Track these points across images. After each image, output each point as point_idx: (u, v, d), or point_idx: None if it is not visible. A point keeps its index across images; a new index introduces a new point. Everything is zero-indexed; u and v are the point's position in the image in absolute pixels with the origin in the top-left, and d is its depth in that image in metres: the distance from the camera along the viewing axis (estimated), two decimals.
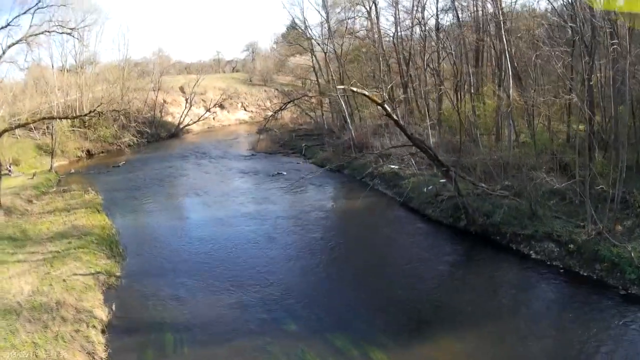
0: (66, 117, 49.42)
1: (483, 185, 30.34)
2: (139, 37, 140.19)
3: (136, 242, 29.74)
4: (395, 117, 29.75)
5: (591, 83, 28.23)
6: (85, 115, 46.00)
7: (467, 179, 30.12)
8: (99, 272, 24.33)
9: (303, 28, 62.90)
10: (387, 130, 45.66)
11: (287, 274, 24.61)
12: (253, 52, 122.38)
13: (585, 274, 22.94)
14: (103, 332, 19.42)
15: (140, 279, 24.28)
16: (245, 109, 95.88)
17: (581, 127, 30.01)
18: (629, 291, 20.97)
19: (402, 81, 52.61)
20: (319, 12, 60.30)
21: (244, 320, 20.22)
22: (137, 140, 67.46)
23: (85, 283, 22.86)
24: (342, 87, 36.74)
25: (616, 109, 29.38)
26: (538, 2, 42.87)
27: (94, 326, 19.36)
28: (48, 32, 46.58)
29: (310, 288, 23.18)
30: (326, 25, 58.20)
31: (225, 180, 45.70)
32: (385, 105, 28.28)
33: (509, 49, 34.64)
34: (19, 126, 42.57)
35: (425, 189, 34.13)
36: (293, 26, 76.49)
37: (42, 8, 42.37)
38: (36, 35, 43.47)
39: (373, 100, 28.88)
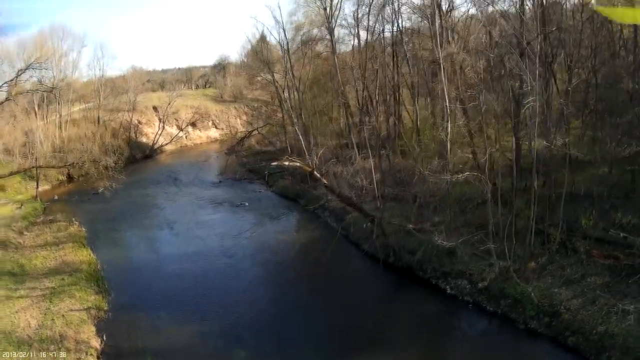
0: (52, 167, 53.97)
1: (410, 225, 35.11)
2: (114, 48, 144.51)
3: (118, 277, 35.05)
4: (324, 181, 35.45)
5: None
6: (69, 165, 50.77)
7: (392, 223, 35.63)
8: (90, 307, 29.92)
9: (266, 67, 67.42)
10: (341, 160, 49.88)
11: (243, 306, 30.13)
12: (224, 69, 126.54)
13: (491, 309, 26.75)
14: (98, 358, 25.15)
15: (124, 312, 29.79)
16: (216, 127, 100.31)
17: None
18: (528, 325, 24.69)
19: (360, 108, 57.53)
20: (280, 44, 63.56)
21: (210, 347, 26.03)
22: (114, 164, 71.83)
23: (80, 317, 28.49)
24: (276, 162, 41.54)
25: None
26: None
27: (91, 354, 25.07)
28: (31, 91, 52.34)
29: (261, 318, 28.87)
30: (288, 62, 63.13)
31: (194, 212, 50.75)
32: (315, 172, 33.96)
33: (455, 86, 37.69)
34: (11, 174, 47.66)
35: (364, 225, 38.75)
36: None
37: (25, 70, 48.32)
38: (21, 93, 49.36)
39: (304, 169, 34.54)
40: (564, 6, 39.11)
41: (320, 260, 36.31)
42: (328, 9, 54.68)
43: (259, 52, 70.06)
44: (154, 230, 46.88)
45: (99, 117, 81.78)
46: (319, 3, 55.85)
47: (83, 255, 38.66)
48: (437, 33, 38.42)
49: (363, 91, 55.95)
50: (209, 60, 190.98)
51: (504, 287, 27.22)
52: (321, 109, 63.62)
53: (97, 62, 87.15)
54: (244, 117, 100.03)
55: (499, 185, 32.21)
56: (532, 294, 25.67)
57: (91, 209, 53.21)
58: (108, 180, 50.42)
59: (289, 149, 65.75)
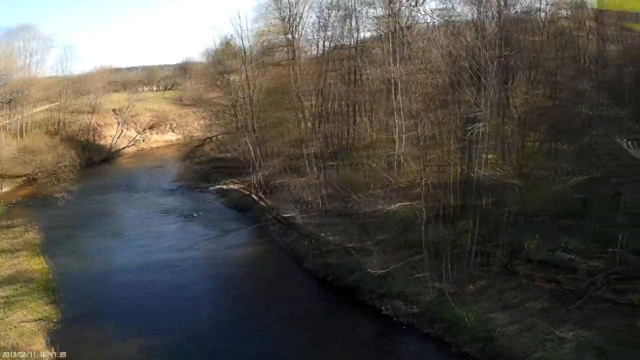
0: (9, 177, 55.22)
1: (350, 245, 36.43)
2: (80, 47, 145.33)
3: (69, 287, 36.52)
4: (262, 203, 37.32)
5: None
6: (24, 176, 52.41)
7: (330, 242, 37.52)
8: (41, 319, 31.67)
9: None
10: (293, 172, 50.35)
11: (187, 321, 32.08)
12: (186, 72, 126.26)
13: (425, 332, 27.37)
14: None
15: (74, 324, 31.36)
16: (173, 131, 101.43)
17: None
18: (462, 350, 25.13)
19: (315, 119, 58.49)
20: (239, 52, 64.57)
21: None
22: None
23: (32, 329, 30.35)
24: (216, 185, 44.00)
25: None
26: None
27: None
28: None
29: (203, 333, 30.48)
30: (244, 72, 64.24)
31: (146, 222, 52.71)
32: (253, 195, 35.74)
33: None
34: None
35: (306, 242, 39.90)
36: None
37: None
38: None
39: (243, 191, 36.38)
40: (527, 25, 38.15)
41: (262, 276, 38.67)
42: (288, 19, 55.68)
43: (218, 62, 71.12)
44: (106, 240, 48.15)
45: (59, 120, 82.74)
46: (277, 14, 56.72)
47: (36, 264, 40.42)
48: (393, 50, 39.80)
49: (320, 103, 56.59)
50: (175, 58, 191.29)
51: (438, 310, 27.85)
52: (277, 119, 64.36)
53: (62, 64, 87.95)
54: (202, 122, 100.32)
55: (443, 204, 32.53)
56: (467, 319, 26.13)
57: (48, 214, 54.66)
58: (63, 190, 51.75)
59: (243, 157, 66.85)
